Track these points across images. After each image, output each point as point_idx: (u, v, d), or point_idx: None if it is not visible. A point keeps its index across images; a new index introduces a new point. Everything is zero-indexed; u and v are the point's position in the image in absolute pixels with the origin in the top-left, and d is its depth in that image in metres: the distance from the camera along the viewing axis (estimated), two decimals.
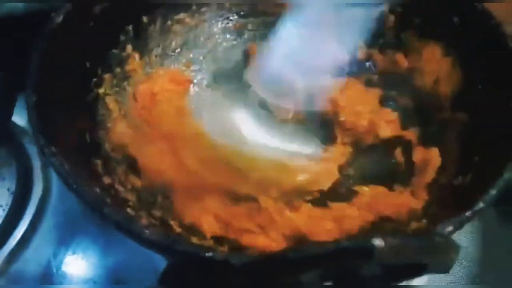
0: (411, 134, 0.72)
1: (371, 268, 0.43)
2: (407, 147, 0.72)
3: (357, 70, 0.78)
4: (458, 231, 0.50)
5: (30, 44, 0.60)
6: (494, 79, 0.65)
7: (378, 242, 0.40)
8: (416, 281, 0.69)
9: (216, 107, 0.80)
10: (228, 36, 0.84)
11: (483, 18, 0.67)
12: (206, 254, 0.46)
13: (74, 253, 0.76)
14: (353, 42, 0.74)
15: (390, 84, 0.77)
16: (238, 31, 0.84)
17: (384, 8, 0.76)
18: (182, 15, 0.79)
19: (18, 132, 0.85)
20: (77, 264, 0.76)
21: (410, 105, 0.75)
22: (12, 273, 0.74)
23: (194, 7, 0.80)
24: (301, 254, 0.41)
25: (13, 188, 0.79)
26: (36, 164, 0.82)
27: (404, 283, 0.67)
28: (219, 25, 0.83)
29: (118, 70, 0.73)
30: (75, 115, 0.63)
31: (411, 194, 0.66)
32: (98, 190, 0.56)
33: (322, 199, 0.69)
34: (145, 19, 0.75)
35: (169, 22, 0.79)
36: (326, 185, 0.71)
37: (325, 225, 0.63)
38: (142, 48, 0.76)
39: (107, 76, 0.71)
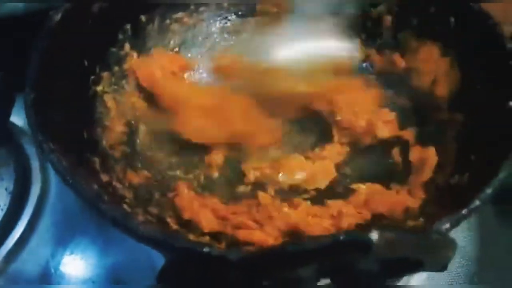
0: (409, 134, 0.72)
1: (368, 264, 0.43)
2: (405, 147, 0.72)
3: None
4: (455, 229, 0.50)
5: (30, 44, 0.61)
6: (491, 79, 0.65)
7: (375, 236, 0.40)
8: (414, 281, 0.70)
9: None
10: (226, 35, 0.84)
11: (480, 18, 0.67)
12: (203, 250, 0.46)
13: (72, 253, 0.76)
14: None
15: (388, 84, 0.78)
16: (236, 31, 0.84)
17: (382, 8, 0.76)
18: (180, 14, 0.79)
19: (16, 132, 0.85)
20: (76, 264, 0.76)
21: (408, 105, 0.75)
22: (10, 273, 0.74)
23: (192, 7, 0.80)
24: (298, 248, 0.42)
25: (11, 188, 0.79)
26: (35, 164, 0.83)
27: (402, 282, 0.68)
28: (217, 24, 0.83)
29: (116, 68, 0.73)
30: (73, 113, 0.63)
31: (408, 193, 0.66)
32: (95, 186, 0.56)
33: (319, 197, 0.69)
34: (143, 18, 0.76)
35: (167, 21, 0.79)
36: (323, 183, 0.71)
37: (321, 223, 0.63)
38: (140, 47, 0.76)
39: (105, 74, 0.71)
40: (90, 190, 0.54)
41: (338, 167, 0.73)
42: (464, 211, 0.51)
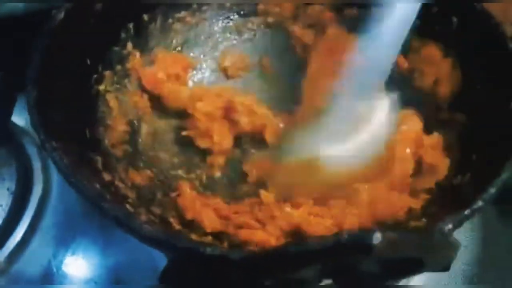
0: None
1: (370, 265, 0.43)
2: None
3: None
4: (457, 229, 0.50)
5: (30, 44, 0.61)
6: (493, 79, 0.65)
7: (377, 236, 0.40)
8: (415, 281, 0.70)
9: None
10: (228, 35, 0.84)
11: (482, 18, 0.67)
12: (206, 250, 0.46)
13: (74, 253, 0.76)
14: None
15: (390, 85, 0.77)
16: (239, 30, 0.84)
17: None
18: (183, 14, 0.80)
19: (18, 132, 0.85)
20: (78, 264, 0.75)
21: (410, 105, 0.74)
22: (12, 273, 0.74)
23: (195, 6, 0.81)
24: (300, 249, 0.41)
25: (13, 188, 0.79)
26: (36, 164, 0.82)
27: (403, 282, 0.68)
28: (220, 24, 0.83)
29: (118, 67, 0.73)
30: (75, 111, 0.64)
31: (411, 194, 0.66)
32: (98, 186, 0.56)
33: (322, 197, 0.69)
34: (145, 17, 0.76)
35: (169, 20, 0.79)
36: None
37: (324, 222, 0.63)
38: (143, 46, 0.77)
39: (107, 73, 0.71)
40: (92, 189, 0.54)
41: None
42: (466, 212, 0.51)
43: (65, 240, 0.77)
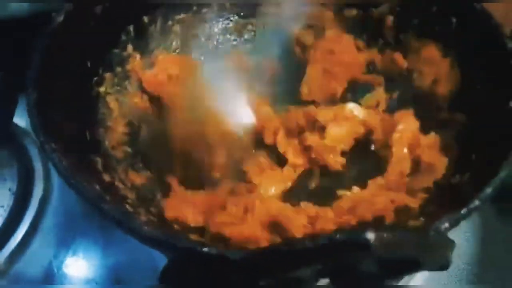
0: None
1: (367, 264, 0.43)
2: None
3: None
4: (455, 228, 0.50)
5: (31, 45, 0.61)
6: (492, 79, 0.65)
7: (371, 235, 0.40)
8: (415, 280, 0.70)
9: None
10: (228, 36, 0.84)
11: (481, 18, 0.67)
12: (204, 250, 0.47)
13: (75, 253, 0.76)
14: None
15: (390, 85, 0.78)
16: (239, 32, 0.84)
17: (383, 8, 0.76)
18: (182, 15, 0.80)
19: (19, 133, 0.85)
20: (78, 265, 0.76)
21: (409, 105, 0.74)
22: (13, 274, 0.74)
23: (194, 8, 0.81)
24: (294, 247, 0.42)
25: (14, 188, 0.79)
26: (37, 165, 0.83)
27: (403, 282, 0.68)
28: (220, 25, 0.83)
29: (119, 69, 0.73)
30: (75, 113, 0.64)
31: (408, 193, 0.66)
32: (97, 187, 0.56)
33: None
34: (145, 19, 0.76)
35: (169, 22, 0.79)
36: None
37: (300, 219, 0.63)
38: (143, 48, 0.77)
39: (107, 75, 0.71)
40: (92, 190, 0.54)
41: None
42: (463, 211, 0.51)
43: (65, 240, 0.77)
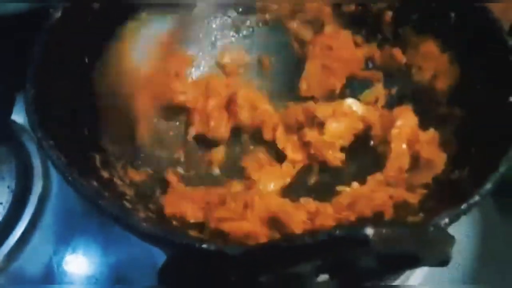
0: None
1: (366, 260, 0.43)
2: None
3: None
4: (456, 223, 0.50)
5: (30, 44, 0.61)
6: (491, 74, 0.65)
7: (370, 231, 0.40)
8: (414, 277, 0.70)
9: None
10: (226, 32, 0.84)
11: (480, 14, 0.67)
12: (202, 246, 0.47)
13: (74, 250, 0.76)
14: None
15: (389, 80, 0.78)
16: (237, 28, 0.84)
17: (382, 3, 0.76)
18: (180, 11, 0.79)
19: (18, 130, 0.85)
20: (78, 262, 0.76)
21: (408, 101, 0.74)
22: (12, 272, 0.74)
23: (192, 3, 0.80)
24: (295, 243, 0.42)
25: (13, 186, 0.79)
26: (36, 161, 0.83)
27: (403, 278, 0.68)
28: (218, 21, 0.83)
29: None
30: (73, 110, 0.63)
31: (408, 189, 0.66)
32: (95, 183, 0.56)
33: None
34: (143, 15, 0.75)
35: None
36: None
37: (299, 215, 0.63)
38: None
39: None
40: (90, 187, 0.54)
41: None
42: (463, 206, 0.51)
43: (65, 237, 0.77)
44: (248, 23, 0.83)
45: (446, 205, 0.54)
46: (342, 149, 0.74)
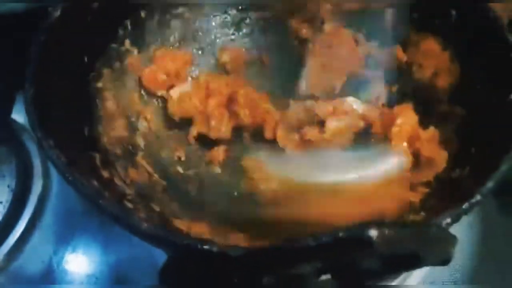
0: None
1: (368, 260, 0.43)
2: None
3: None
4: (456, 223, 0.50)
5: (28, 41, 0.61)
6: (492, 72, 0.65)
7: (374, 232, 0.40)
8: (412, 280, 0.70)
9: None
10: (226, 30, 0.83)
11: (481, 11, 0.67)
12: (204, 246, 0.46)
13: (74, 250, 0.76)
14: None
15: (389, 78, 0.78)
16: (237, 26, 0.84)
17: (383, 1, 0.76)
18: (180, 10, 0.79)
19: (18, 129, 0.85)
20: (78, 261, 0.76)
21: (409, 99, 0.74)
22: (12, 271, 0.74)
23: (192, 2, 0.80)
24: (298, 245, 0.42)
25: (13, 185, 0.79)
26: (36, 161, 0.82)
27: (401, 278, 0.68)
28: (218, 19, 0.83)
29: (116, 64, 0.73)
30: (73, 109, 0.63)
31: (409, 188, 0.66)
32: (95, 183, 0.56)
33: None
34: (143, 13, 0.75)
35: (167, 17, 0.78)
36: None
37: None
38: (141, 43, 0.76)
39: (105, 70, 0.71)
40: (90, 186, 0.54)
41: None
42: (465, 206, 0.51)
43: (65, 237, 0.77)
44: (248, 21, 0.83)
45: (448, 204, 0.54)
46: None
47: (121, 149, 0.69)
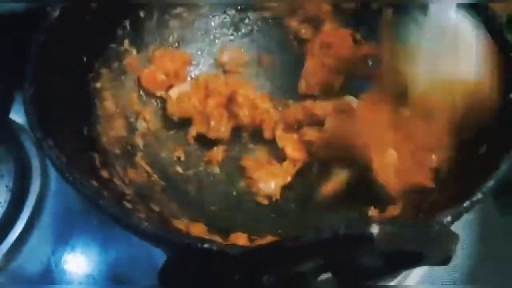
0: None
1: (369, 258, 0.43)
2: None
3: None
4: (457, 221, 0.50)
5: (29, 42, 0.61)
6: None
7: (375, 229, 0.40)
8: (411, 279, 0.70)
9: None
10: (225, 30, 0.83)
11: (481, 10, 0.67)
12: (204, 246, 0.46)
13: (73, 249, 0.76)
14: None
15: None
16: (236, 26, 0.84)
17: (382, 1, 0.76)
18: (179, 10, 0.79)
19: (16, 130, 0.85)
20: (77, 261, 0.76)
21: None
22: (11, 270, 0.74)
23: (191, 2, 0.80)
24: (298, 243, 0.41)
25: (11, 185, 0.79)
26: (34, 161, 0.83)
27: (400, 277, 0.68)
28: (217, 19, 0.83)
29: (115, 65, 0.73)
30: (72, 109, 0.63)
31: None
32: (95, 183, 0.56)
33: None
34: (142, 14, 0.75)
35: (166, 17, 0.78)
36: None
37: None
38: (140, 43, 0.76)
39: (104, 70, 0.71)
40: (89, 186, 0.53)
41: None
42: (465, 204, 0.51)
43: (63, 237, 0.77)
44: (247, 21, 0.84)
45: (448, 202, 0.54)
46: None
47: (120, 149, 0.69)
